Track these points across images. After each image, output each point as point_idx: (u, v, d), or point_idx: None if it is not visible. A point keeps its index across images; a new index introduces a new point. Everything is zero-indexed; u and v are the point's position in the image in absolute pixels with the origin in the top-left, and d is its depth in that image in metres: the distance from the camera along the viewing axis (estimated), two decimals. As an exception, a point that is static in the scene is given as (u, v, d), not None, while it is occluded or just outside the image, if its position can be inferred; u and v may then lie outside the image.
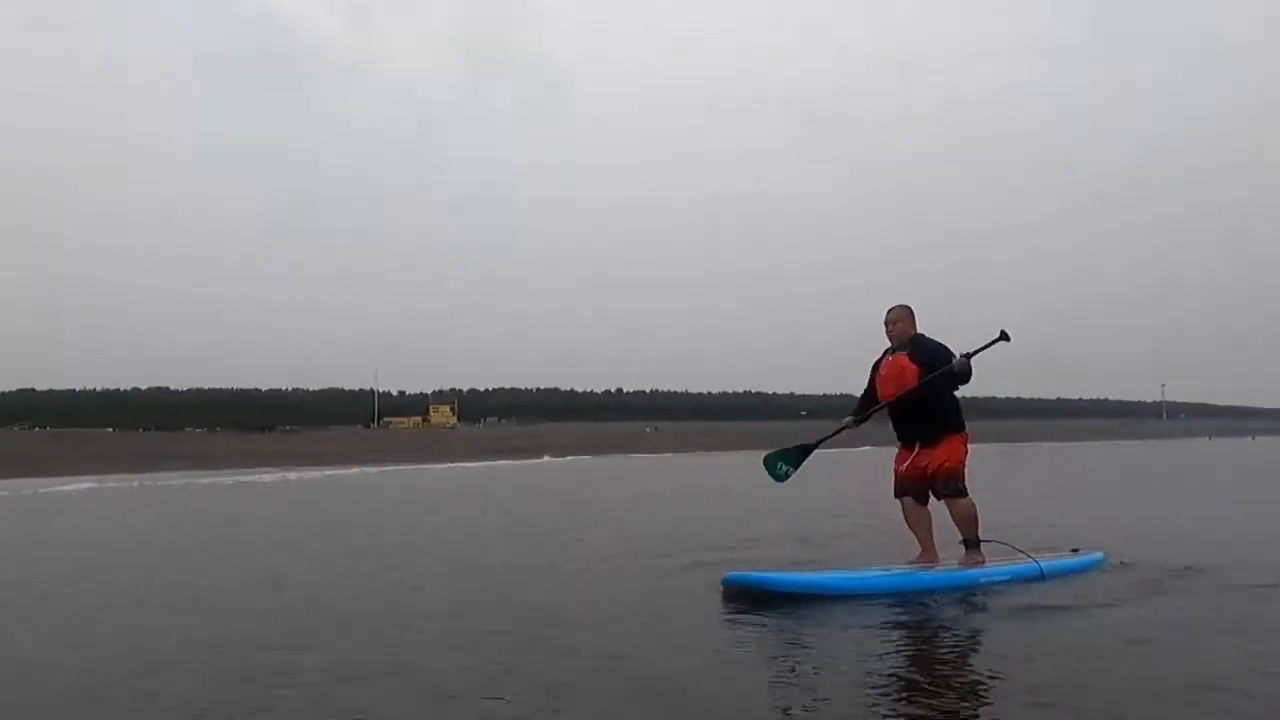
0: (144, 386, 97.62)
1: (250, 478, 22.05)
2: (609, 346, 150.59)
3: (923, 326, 5.95)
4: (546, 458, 34.81)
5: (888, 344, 5.97)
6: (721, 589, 5.24)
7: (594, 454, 36.26)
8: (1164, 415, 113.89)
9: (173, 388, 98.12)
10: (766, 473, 6.11)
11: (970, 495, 5.68)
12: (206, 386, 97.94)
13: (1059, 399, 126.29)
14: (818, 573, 5.59)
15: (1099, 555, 6.20)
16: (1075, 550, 6.27)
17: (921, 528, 5.84)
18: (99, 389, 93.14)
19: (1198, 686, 3.47)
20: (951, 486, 5.66)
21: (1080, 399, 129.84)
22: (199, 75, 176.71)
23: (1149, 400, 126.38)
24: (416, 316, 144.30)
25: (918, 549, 5.80)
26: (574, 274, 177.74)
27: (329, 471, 24.94)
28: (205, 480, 21.14)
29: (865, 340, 6.09)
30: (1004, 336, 5.67)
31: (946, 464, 5.67)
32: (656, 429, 68.45)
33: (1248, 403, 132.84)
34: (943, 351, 5.74)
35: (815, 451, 6.03)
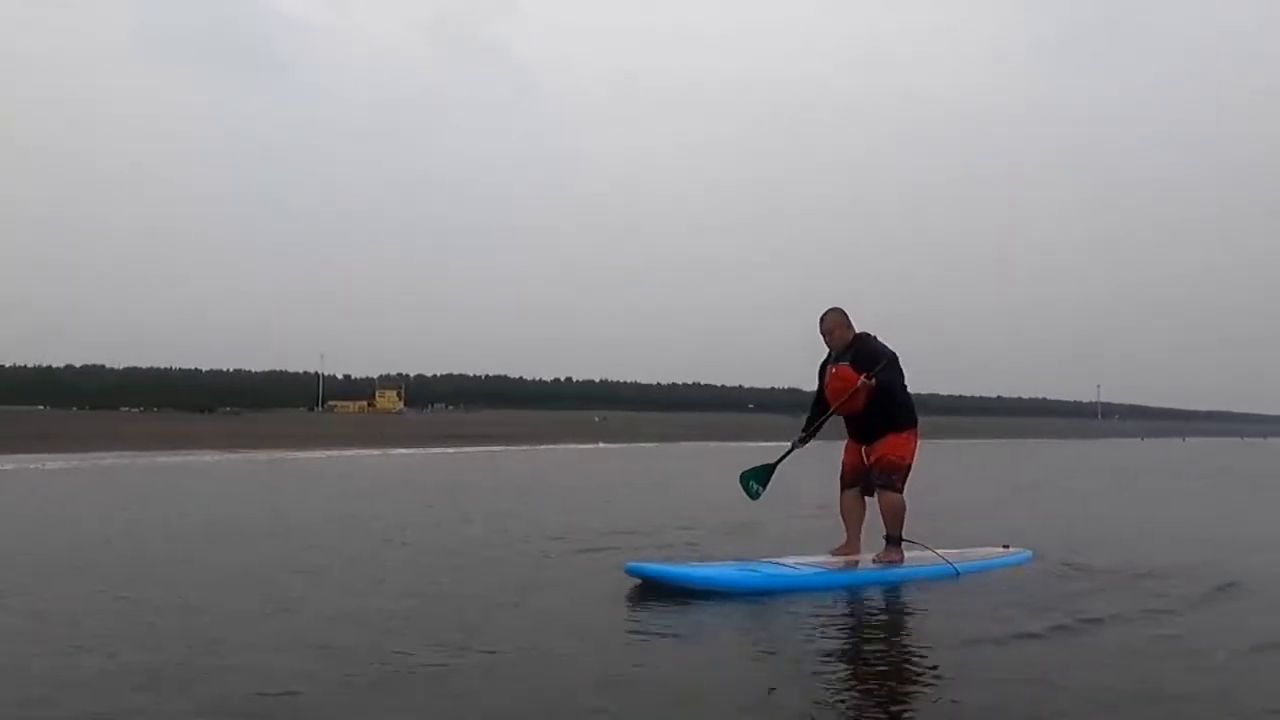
0: (78, 364, 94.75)
1: (188, 459, 21.52)
2: (558, 335, 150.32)
3: (857, 319, 5.94)
4: (496, 445, 34.60)
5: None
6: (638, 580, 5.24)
7: (541, 443, 36.08)
8: (1099, 415, 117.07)
9: (109, 366, 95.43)
10: (742, 490, 6.22)
11: (903, 494, 5.72)
12: (145, 365, 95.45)
13: (999, 397, 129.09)
14: (715, 566, 5.53)
15: (1027, 554, 6.32)
16: (1006, 546, 6.40)
17: (853, 521, 5.95)
18: (30, 365, 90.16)
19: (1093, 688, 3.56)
20: (885, 478, 5.74)
21: (1020, 398, 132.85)
22: (148, 50, 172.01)
23: (1085, 400, 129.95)
24: (363, 299, 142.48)
25: (843, 538, 5.92)
26: (527, 261, 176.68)
27: (269, 455, 24.45)
28: (142, 461, 20.56)
29: (810, 337, 6.06)
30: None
31: (889, 456, 5.74)
32: (605, 418, 68.42)
33: (1181, 405, 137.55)
34: (882, 358, 5.75)
35: (777, 469, 6.14)
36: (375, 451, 27.73)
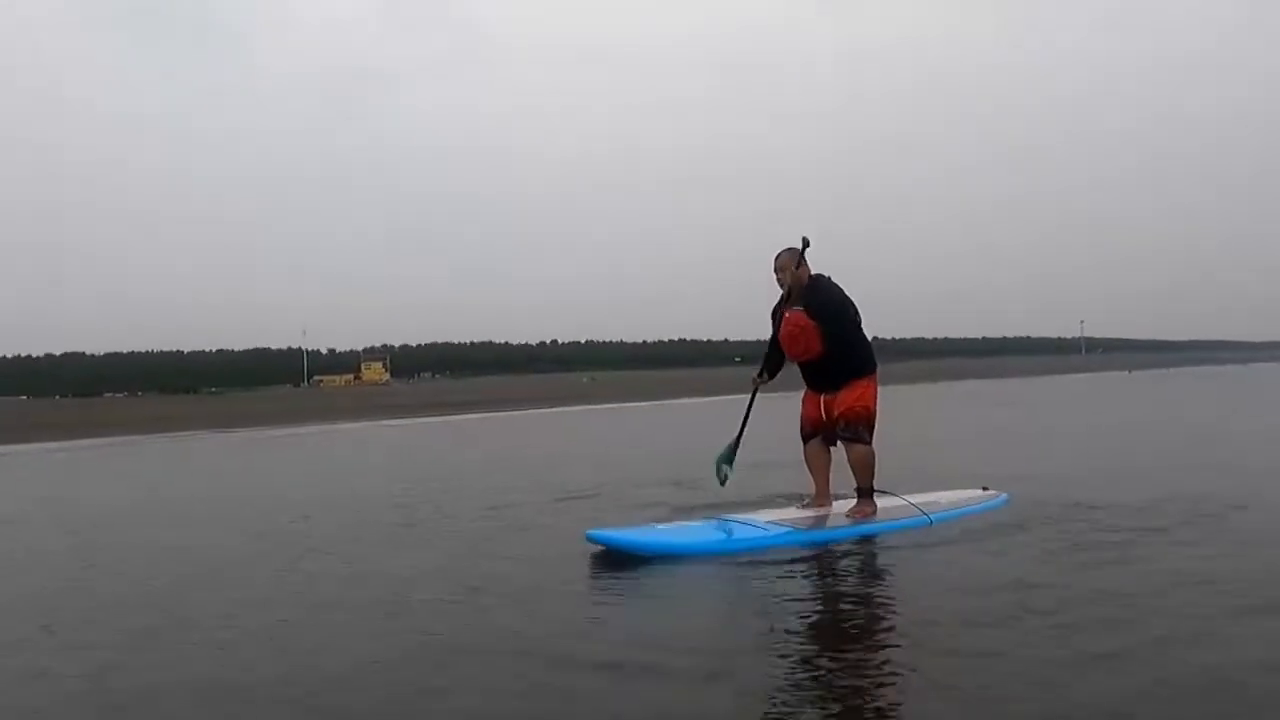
0: (58, 352, 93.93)
1: (176, 442, 21.33)
2: (542, 300, 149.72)
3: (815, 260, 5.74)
4: (485, 413, 34.48)
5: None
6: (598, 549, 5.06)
7: (532, 406, 36.00)
8: (1083, 350, 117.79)
9: (89, 352, 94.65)
10: (715, 475, 6.09)
11: (871, 444, 5.62)
12: (125, 350, 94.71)
13: (983, 338, 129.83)
14: (685, 528, 5.38)
15: (1003, 497, 6.23)
16: (985, 488, 6.33)
17: (820, 471, 5.83)
18: (9, 355, 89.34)
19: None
20: (852, 430, 5.60)
21: (1004, 337, 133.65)
22: (99, 24, 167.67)
23: (1069, 336, 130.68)
24: (343, 272, 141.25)
25: (813, 492, 5.84)
26: (503, 225, 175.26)
27: (258, 433, 24.26)
28: (127, 444, 20.35)
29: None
30: (804, 243, 5.65)
31: (854, 407, 5.60)
32: (594, 379, 68.38)
33: (1164, 336, 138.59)
34: (839, 304, 5.61)
35: (741, 439, 6.03)
36: (363, 424, 27.58)
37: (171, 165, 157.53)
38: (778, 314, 5.83)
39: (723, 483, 6.09)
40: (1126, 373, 60.17)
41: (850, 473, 5.69)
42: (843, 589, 4.46)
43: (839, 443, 5.73)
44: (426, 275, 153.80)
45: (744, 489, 6.67)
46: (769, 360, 5.91)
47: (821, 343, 5.54)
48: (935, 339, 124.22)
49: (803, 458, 5.93)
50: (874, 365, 5.78)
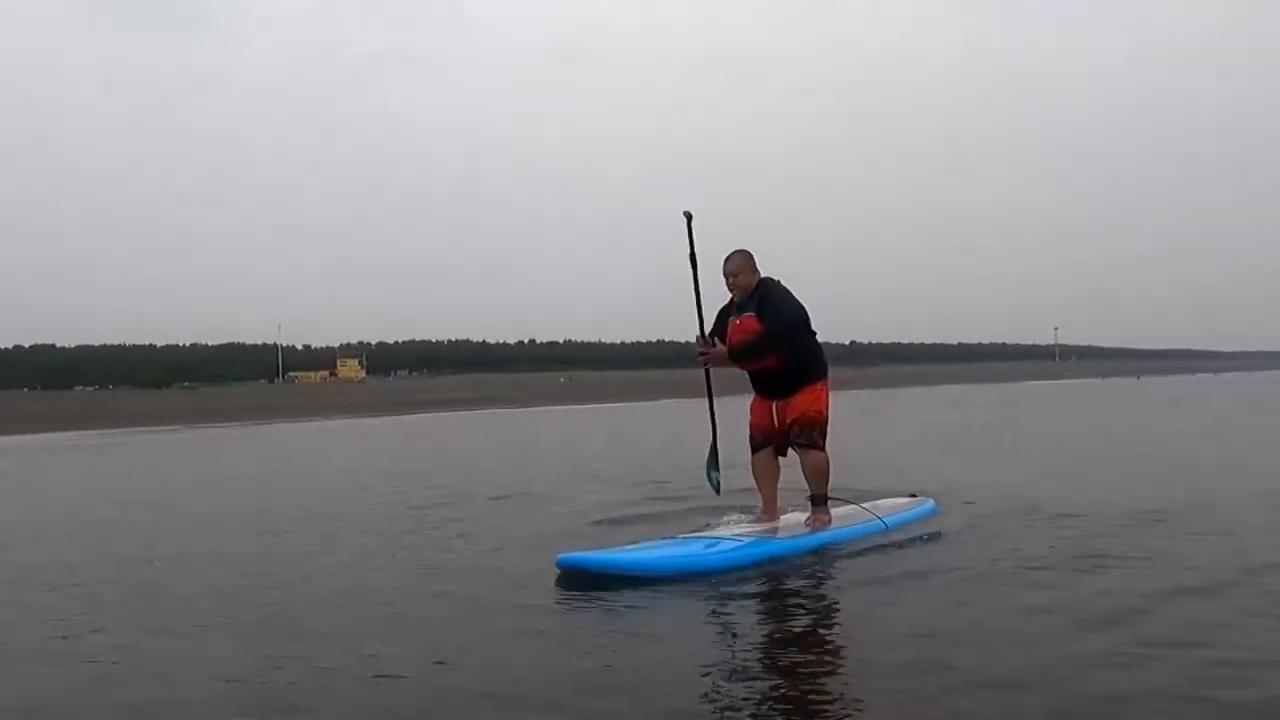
0: (27, 344, 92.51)
1: (148, 436, 21.08)
2: (523, 296, 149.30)
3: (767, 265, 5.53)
4: (460, 410, 34.31)
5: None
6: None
7: (508, 405, 35.87)
8: (1057, 357, 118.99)
9: (59, 345, 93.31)
10: (708, 483, 5.82)
11: (825, 450, 5.42)
12: (97, 343, 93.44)
13: (959, 344, 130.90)
14: (647, 548, 4.93)
15: (929, 504, 6.18)
16: (913, 495, 6.31)
17: (768, 482, 5.60)
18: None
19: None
20: (806, 435, 5.37)
21: (980, 343, 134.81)
22: (88, 13, 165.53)
23: (1043, 343, 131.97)
24: (318, 268, 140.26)
25: (760, 507, 5.61)
26: (482, 219, 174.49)
27: (230, 430, 24.00)
28: (94, 441, 20.07)
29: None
30: (687, 216, 5.46)
31: (808, 412, 5.39)
32: (570, 379, 68.28)
33: (1135, 345, 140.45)
34: (790, 310, 5.41)
35: (717, 437, 5.73)
36: (336, 422, 27.38)
37: (148, 157, 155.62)
38: (723, 320, 5.55)
39: (717, 489, 5.79)
40: (1100, 380, 60.89)
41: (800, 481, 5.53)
42: (808, 604, 4.23)
43: (789, 451, 5.54)
44: (405, 271, 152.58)
45: (691, 500, 6.57)
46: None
47: (776, 350, 5.36)
48: (911, 344, 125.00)
49: (749, 467, 5.66)
50: (826, 369, 5.58)
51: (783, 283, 5.53)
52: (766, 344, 5.34)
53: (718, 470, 5.80)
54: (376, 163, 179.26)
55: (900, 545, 5.25)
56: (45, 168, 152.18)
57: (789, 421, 5.46)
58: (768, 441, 5.56)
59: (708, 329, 5.61)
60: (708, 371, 5.71)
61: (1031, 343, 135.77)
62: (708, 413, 5.76)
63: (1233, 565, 4.55)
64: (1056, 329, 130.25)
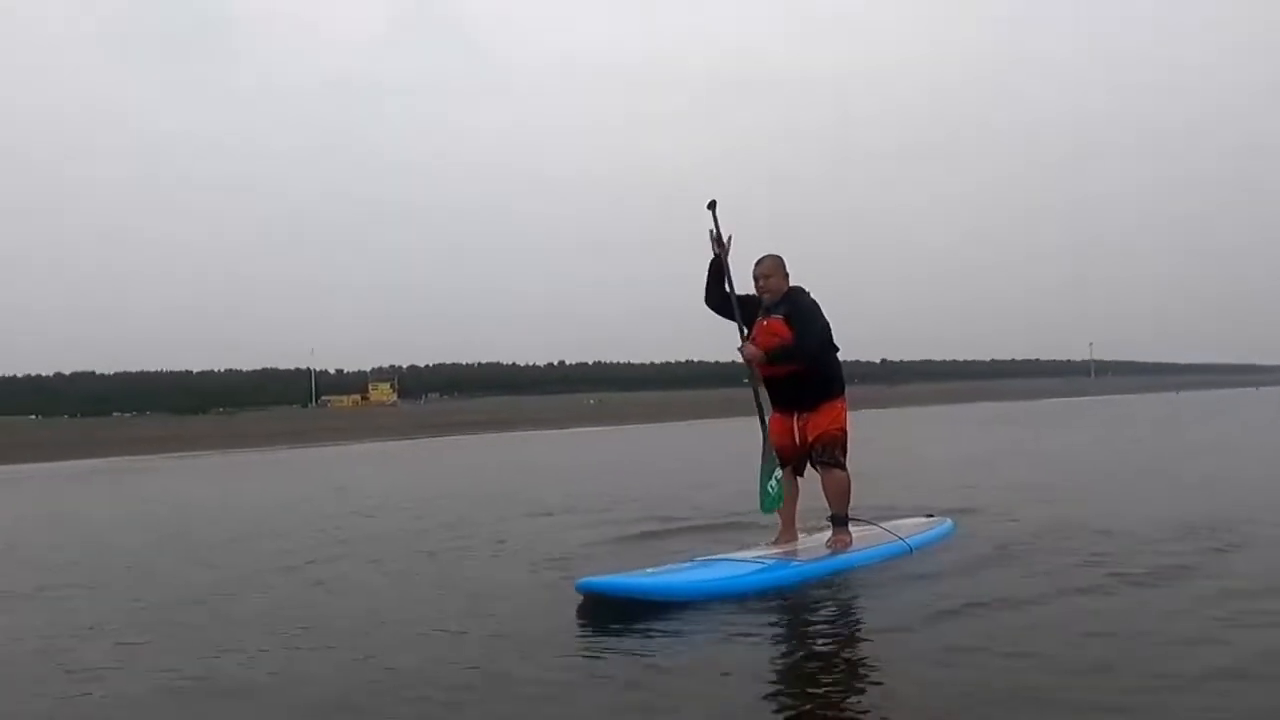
0: (68, 372, 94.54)
1: (188, 461, 21.47)
2: (551, 319, 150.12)
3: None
4: (490, 432, 34.57)
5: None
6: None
7: (536, 428, 36.05)
8: (1092, 373, 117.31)
9: (99, 372, 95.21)
10: (760, 501, 5.46)
11: (848, 470, 5.36)
12: (135, 370, 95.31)
13: (991, 360, 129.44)
14: (667, 572, 4.85)
15: (948, 524, 6.17)
16: (929, 515, 6.30)
17: (789, 502, 5.52)
18: (19, 375, 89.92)
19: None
20: (829, 454, 5.33)
21: (1013, 359, 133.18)
22: (102, 42, 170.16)
23: (1078, 359, 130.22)
24: (352, 293, 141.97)
25: (779, 528, 5.57)
26: (517, 243, 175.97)
27: (264, 453, 24.36)
28: (137, 464, 20.49)
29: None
30: (711, 205, 5.48)
31: (830, 430, 5.36)
32: (599, 400, 68.42)
33: (1170, 359, 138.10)
34: (816, 317, 5.40)
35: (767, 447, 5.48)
36: (367, 445, 27.67)
37: (180, 183, 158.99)
38: (748, 314, 5.49)
39: (776, 501, 5.41)
40: (1135, 395, 59.81)
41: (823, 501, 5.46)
42: (832, 628, 4.23)
43: (813, 466, 5.48)
44: (435, 294, 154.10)
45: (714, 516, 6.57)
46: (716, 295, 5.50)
47: (805, 360, 5.34)
48: (943, 361, 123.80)
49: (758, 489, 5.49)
50: (844, 386, 5.58)
51: (812, 294, 5.52)
52: (799, 355, 5.35)
53: (775, 479, 5.39)
54: (405, 191, 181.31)
55: (922, 566, 5.23)
56: (83, 223, 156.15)
57: (811, 440, 5.43)
58: (787, 462, 5.52)
59: (737, 317, 5.54)
60: (752, 373, 5.56)
61: (1066, 359, 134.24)
62: (756, 417, 5.62)
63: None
64: (1091, 344, 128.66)
